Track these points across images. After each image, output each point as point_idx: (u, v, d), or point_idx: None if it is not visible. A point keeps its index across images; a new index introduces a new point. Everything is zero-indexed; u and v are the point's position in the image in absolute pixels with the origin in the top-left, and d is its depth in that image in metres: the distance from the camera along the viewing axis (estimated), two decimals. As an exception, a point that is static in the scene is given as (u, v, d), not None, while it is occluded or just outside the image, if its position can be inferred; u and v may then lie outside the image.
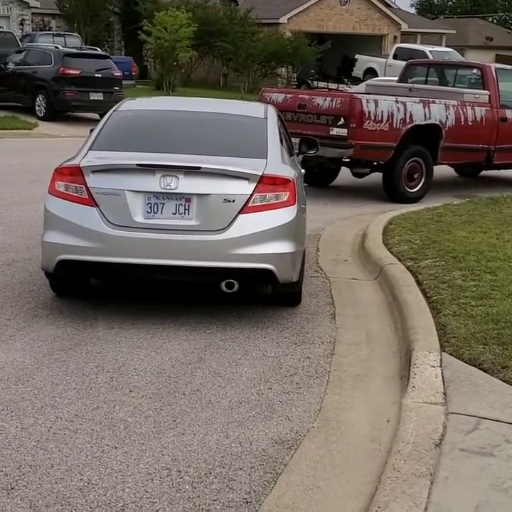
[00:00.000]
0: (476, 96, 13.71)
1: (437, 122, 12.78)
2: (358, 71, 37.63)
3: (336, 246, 9.43)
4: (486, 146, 13.69)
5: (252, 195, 6.27)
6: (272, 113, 7.56)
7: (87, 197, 6.25)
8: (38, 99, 22.14)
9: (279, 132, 7.25)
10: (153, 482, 4.08)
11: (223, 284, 6.36)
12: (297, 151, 8.30)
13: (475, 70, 14.76)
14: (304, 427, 4.76)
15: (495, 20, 70.98)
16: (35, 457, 4.26)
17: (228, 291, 6.40)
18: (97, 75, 22.16)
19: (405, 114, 12.33)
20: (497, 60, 41.39)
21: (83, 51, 25.27)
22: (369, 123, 12.01)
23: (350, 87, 30.18)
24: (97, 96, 21.94)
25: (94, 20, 38.18)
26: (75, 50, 24.20)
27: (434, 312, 6.44)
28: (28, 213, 10.03)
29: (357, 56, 38.65)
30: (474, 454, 4.21)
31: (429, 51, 32.77)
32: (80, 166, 6.36)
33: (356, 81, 33.40)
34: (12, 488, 3.96)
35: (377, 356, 5.98)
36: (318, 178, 13.50)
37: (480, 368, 5.30)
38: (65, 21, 39.02)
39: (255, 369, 5.61)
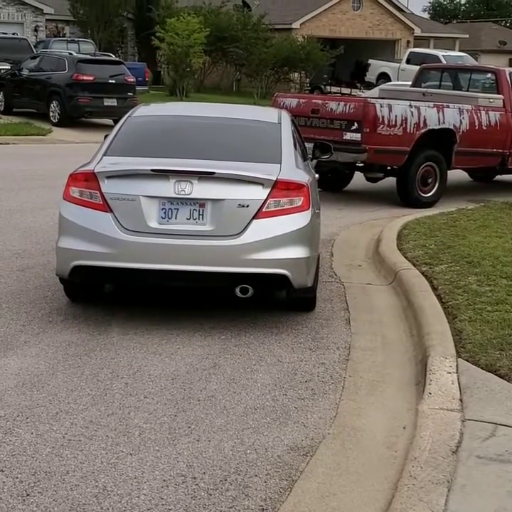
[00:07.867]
0: (491, 100, 13.66)
1: (451, 127, 12.73)
2: (371, 76, 37.64)
3: (350, 251, 9.40)
4: (500, 150, 13.63)
5: (266, 200, 6.26)
6: (285, 118, 7.55)
7: (101, 203, 6.25)
8: (52, 105, 22.21)
9: (293, 137, 7.24)
10: (169, 489, 4.06)
11: (237, 290, 6.35)
12: (311, 155, 8.28)
13: (489, 75, 14.70)
14: (319, 434, 4.73)
15: (508, 24, 70.78)
16: (50, 464, 4.25)
17: (243, 296, 6.39)
18: (110, 81, 22.22)
19: (419, 119, 12.29)
20: (511, 65, 41.29)
21: (97, 57, 25.37)
22: (383, 127, 11.97)
23: (363, 92, 30.15)
24: (110, 102, 22.00)
25: (108, 27, 38.34)
26: (88, 57, 24.32)
27: (450, 318, 6.40)
28: (43, 219, 10.06)
29: (370, 61, 38.67)
30: (491, 461, 4.17)
31: (443, 56, 32.69)
32: (95, 171, 6.37)
33: (369, 86, 33.39)
34: (27, 495, 3.95)
35: (393, 362, 5.95)
36: (332, 183, 13.47)
37: (496, 374, 5.26)
38: (78, 27, 39.22)
39: (270, 375, 5.59)
